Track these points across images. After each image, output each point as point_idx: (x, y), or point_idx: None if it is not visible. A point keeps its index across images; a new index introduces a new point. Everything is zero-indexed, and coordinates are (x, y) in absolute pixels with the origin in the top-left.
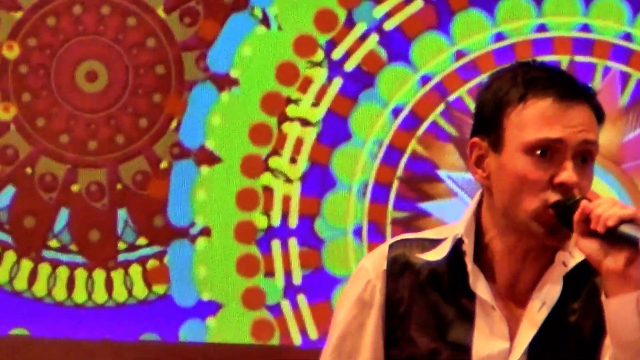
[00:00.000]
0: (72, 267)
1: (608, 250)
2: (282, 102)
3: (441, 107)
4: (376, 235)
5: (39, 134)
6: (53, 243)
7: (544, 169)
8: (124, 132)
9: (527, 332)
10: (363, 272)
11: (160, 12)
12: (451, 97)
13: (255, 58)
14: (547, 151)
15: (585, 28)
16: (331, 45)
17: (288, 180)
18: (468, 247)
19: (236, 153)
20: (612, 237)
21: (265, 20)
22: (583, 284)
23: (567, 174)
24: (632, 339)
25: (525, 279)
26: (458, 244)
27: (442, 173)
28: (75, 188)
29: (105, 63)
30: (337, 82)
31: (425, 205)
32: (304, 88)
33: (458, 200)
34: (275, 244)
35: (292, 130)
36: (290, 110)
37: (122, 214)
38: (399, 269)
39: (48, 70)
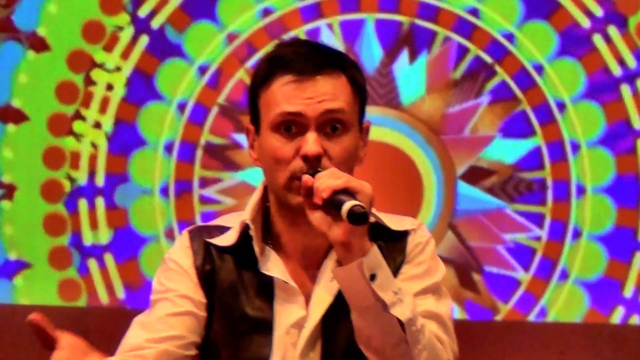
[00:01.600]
0: None
1: (331, 221)
2: (88, 60)
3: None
4: (184, 192)
5: None
6: None
7: (290, 144)
8: None
9: (321, 301)
10: (173, 251)
11: None
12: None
13: (62, 16)
14: (291, 126)
15: None
16: (137, 2)
17: (94, 140)
18: (254, 232)
19: (43, 111)
20: (331, 209)
21: None
22: None
23: (308, 145)
24: (366, 304)
25: (315, 250)
26: (247, 229)
27: None
28: None
29: None
30: (144, 39)
31: (239, 137)
32: (110, 47)
33: None
34: (82, 203)
35: (98, 89)
36: (96, 72)
37: None
38: (201, 250)
39: None
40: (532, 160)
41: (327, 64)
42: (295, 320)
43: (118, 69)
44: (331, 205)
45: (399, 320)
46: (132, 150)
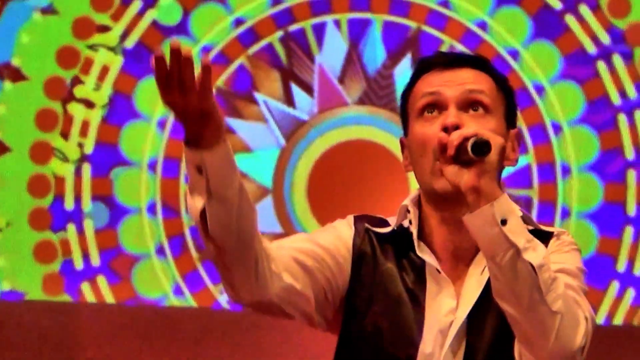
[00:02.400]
0: None
1: (463, 170)
2: (64, 86)
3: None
4: (171, 170)
5: None
6: None
7: (432, 126)
8: None
9: (472, 292)
10: (338, 224)
11: None
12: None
13: (35, 45)
14: (433, 109)
15: None
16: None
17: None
18: (412, 216)
19: (25, 141)
20: (463, 156)
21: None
22: None
23: (447, 117)
24: (499, 249)
25: (465, 245)
26: (403, 224)
27: (259, 96)
28: None
29: None
30: (119, 60)
31: (232, 122)
32: (86, 70)
33: (266, 128)
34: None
35: (78, 112)
36: (77, 91)
37: None
38: (363, 234)
39: None
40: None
41: (470, 62)
42: (446, 310)
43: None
44: (460, 151)
45: (532, 267)
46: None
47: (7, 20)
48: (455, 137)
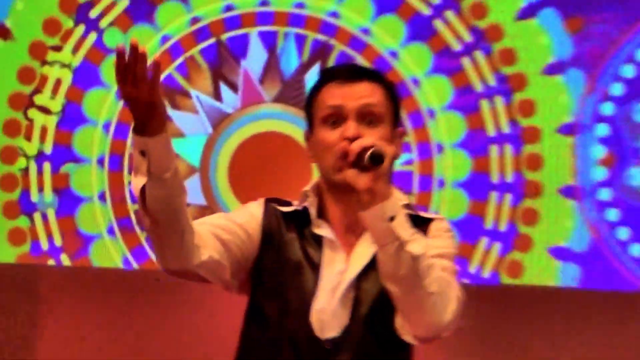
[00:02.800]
0: None
1: (360, 174)
2: (25, 97)
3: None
4: (116, 165)
5: None
6: None
7: (335, 132)
8: None
9: (360, 259)
10: (251, 204)
11: None
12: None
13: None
14: (335, 119)
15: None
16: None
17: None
18: (312, 198)
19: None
20: (361, 163)
21: None
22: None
23: (348, 130)
24: (387, 241)
25: (356, 222)
26: (305, 205)
27: (193, 91)
28: None
29: None
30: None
31: (170, 112)
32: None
33: (197, 118)
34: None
35: (37, 117)
36: (36, 99)
37: None
38: (271, 212)
39: None
40: None
41: (366, 75)
42: (337, 271)
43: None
44: (359, 159)
45: (414, 257)
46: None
47: None
48: (355, 147)
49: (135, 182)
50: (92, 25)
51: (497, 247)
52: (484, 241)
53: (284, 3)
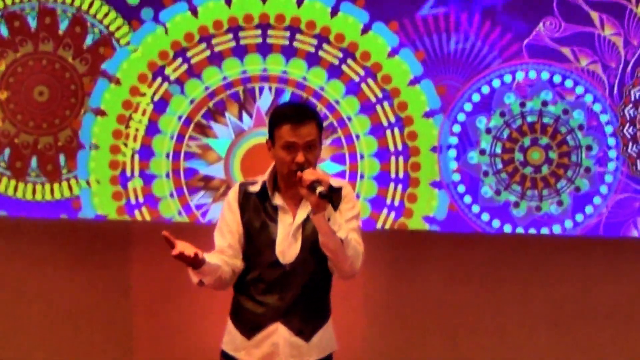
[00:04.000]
0: None
1: (311, 193)
2: (126, 119)
3: None
4: (177, 157)
5: None
6: None
7: (290, 155)
8: None
9: (301, 215)
10: (229, 193)
11: None
12: None
13: None
14: (291, 147)
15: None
16: None
17: None
18: (268, 184)
19: None
20: (309, 188)
21: None
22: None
23: (299, 157)
24: (325, 231)
25: (298, 197)
26: (265, 184)
27: (227, 114)
28: None
29: None
30: None
31: (212, 123)
32: None
33: (227, 129)
34: None
35: (133, 127)
36: None
37: None
38: (243, 194)
39: None
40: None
41: (307, 117)
42: (288, 222)
43: None
44: (310, 187)
45: (341, 239)
46: None
47: None
48: (305, 179)
49: (194, 280)
50: (165, 78)
51: (392, 215)
52: (385, 211)
53: (276, 70)
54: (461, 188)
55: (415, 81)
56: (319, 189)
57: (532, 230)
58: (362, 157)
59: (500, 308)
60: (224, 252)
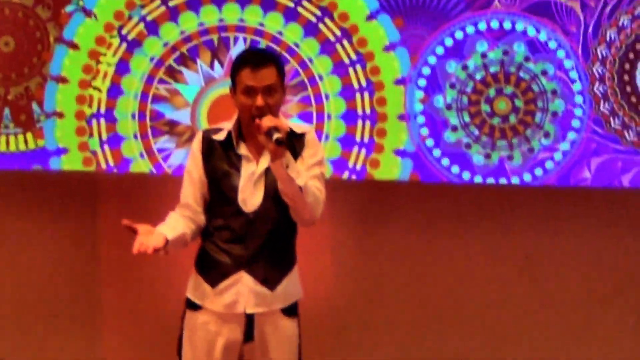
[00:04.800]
0: None
1: (268, 140)
2: (87, 84)
3: None
4: (143, 117)
5: None
6: None
7: (250, 99)
8: None
9: (263, 163)
10: (194, 142)
11: None
12: None
13: None
14: (251, 91)
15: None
16: None
17: None
18: (233, 133)
19: None
20: (268, 135)
21: None
22: (290, 149)
23: (258, 101)
24: (284, 178)
25: (260, 146)
26: (230, 133)
27: (199, 61)
28: None
29: None
30: None
31: (183, 68)
32: None
33: (197, 76)
34: None
35: (95, 94)
36: None
37: None
38: (207, 142)
39: None
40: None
41: (268, 60)
42: (251, 171)
43: None
44: (268, 134)
45: (300, 186)
46: None
47: None
48: (264, 126)
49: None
50: (124, 38)
51: (363, 151)
52: (356, 148)
53: (253, 22)
54: (424, 131)
55: (390, 47)
56: (276, 136)
57: (503, 180)
58: (327, 97)
59: (469, 255)
60: (189, 208)
